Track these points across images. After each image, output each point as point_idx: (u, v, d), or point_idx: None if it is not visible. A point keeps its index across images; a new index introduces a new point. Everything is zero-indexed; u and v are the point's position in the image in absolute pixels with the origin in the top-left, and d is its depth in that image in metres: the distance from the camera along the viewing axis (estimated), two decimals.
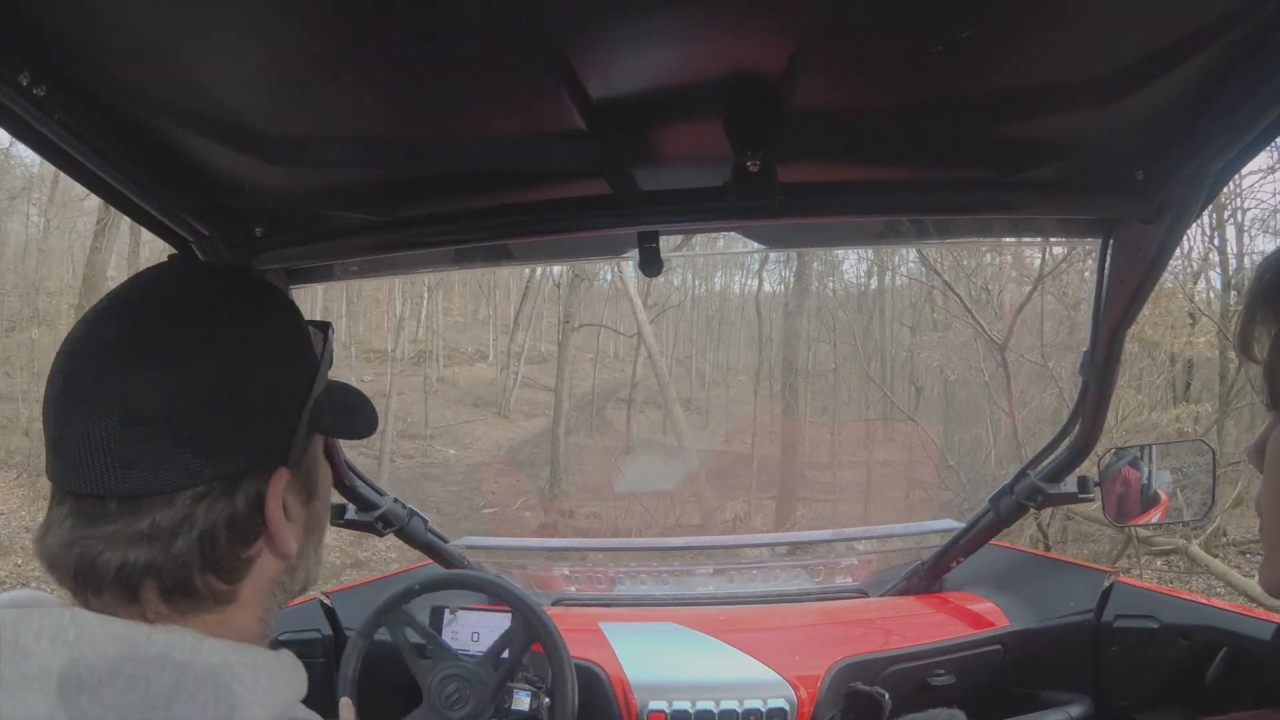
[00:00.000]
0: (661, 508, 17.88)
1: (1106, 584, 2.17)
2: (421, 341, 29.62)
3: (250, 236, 1.43)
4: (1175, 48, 1.02)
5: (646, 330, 19.41)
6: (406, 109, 1.16)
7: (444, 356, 30.40)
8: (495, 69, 1.04)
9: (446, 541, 2.40)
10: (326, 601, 2.30)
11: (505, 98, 1.13)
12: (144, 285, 0.89)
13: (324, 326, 0.99)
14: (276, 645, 0.91)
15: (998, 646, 2.18)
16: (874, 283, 22.38)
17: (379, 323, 29.60)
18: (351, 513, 2.17)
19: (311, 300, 22.50)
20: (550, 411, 24.13)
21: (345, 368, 26.42)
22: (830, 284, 23.64)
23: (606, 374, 28.49)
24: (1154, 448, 2.12)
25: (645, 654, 2.17)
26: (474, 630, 2.16)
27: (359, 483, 2.13)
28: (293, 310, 0.95)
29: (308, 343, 0.93)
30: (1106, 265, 1.58)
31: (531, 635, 1.98)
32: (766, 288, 26.98)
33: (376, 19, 0.91)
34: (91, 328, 0.83)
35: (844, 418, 22.68)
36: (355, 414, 1.02)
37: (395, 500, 2.22)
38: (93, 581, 0.78)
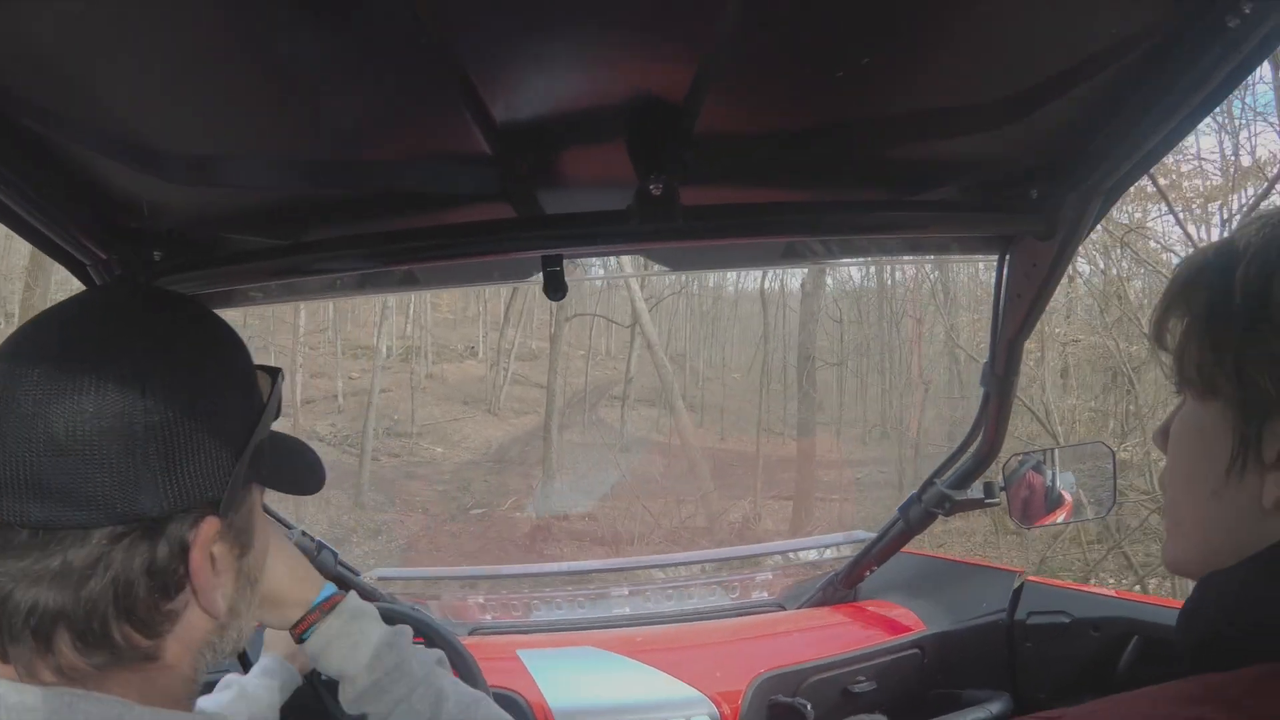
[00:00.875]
0: (665, 509, 17.03)
1: (1017, 583, 2.22)
2: (410, 338, 28.64)
3: (149, 260, 1.36)
4: (1067, 73, 1.06)
5: (645, 319, 18.89)
6: (309, 130, 1.13)
7: (433, 353, 29.49)
8: (398, 91, 1.03)
9: (358, 574, 2.33)
10: None
11: (408, 120, 1.12)
12: (83, 305, 0.84)
13: (273, 372, 0.94)
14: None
15: (915, 650, 2.21)
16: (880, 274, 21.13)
17: (367, 319, 28.51)
18: None
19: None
20: (542, 409, 23.23)
21: (331, 365, 25.87)
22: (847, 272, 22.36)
23: (599, 370, 27.57)
24: (1056, 451, 2.19)
25: (565, 679, 2.14)
26: None
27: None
28: (239, 350, 0.90)
29: (252, 386, 0.88)
30: (1004, 281, 1.63)
31: (449, 666, 1.94)
32: (770, 279, 25.93)
33: (278, 39, 0.88)
34: (22, 345, 0.78)
35: (853, 412, 22.13)
36: (300, 468, 0.98)
37: (303, 533, 2.14)
38: (7, 626, 0.73)
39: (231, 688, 1.44)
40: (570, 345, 21.87)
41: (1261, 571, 0.68)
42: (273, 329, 23.09)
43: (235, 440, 0.82)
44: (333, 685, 1.61)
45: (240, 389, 0.86)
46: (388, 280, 1.73)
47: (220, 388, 0.83)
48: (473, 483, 20.93)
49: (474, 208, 1.33)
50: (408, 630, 1.33)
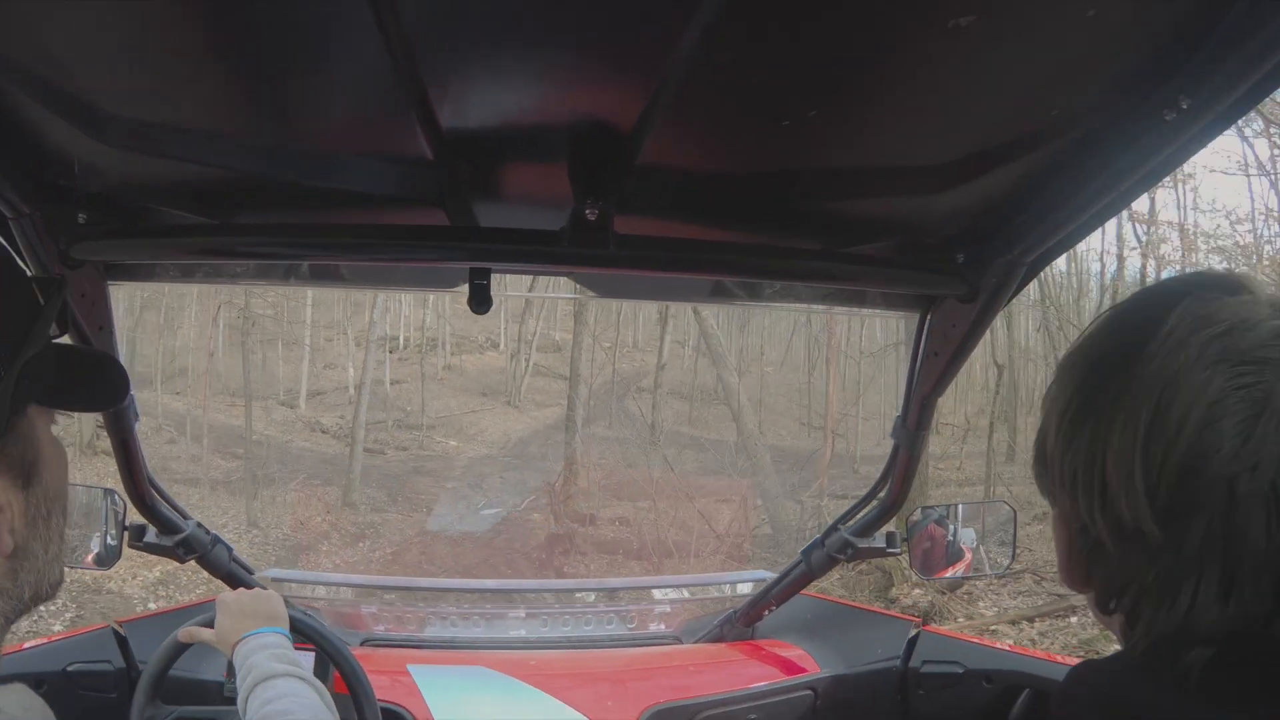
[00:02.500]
0: (718, 512, 14.50)
1: (913, 632, 2.25)
2: (429, 329, 27.47)
3: (72, 222, 1.32)
4: (1004, 147, 1.10)
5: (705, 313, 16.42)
6: (250, 110, 1.12)
7: (452, 345, 28.06)
8: (346, 83, 1.02)
9: (252, 572, 2.27)
10: (120, 631, 2.12)
11: (352, 114, 1.11)
12: None
13: (54, 283, 0.85)
14: (65, 675, 0.80)
15: (808, 692, 2.22)
16: None
17: (383, 309, 27.45)
18: (151, 535, 2.02)
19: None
20: (563, 402, 21.11)
21: (343, 356, 24.55)
22: None
23: (625, 363, 25.33)
24: (960, 506, 2.23)
25: (454, 698, 2.11)
26: None
27: (161, 502, 1.98)
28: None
29: (19, 299, 0.79)
30: (923, 338, 1.66)
31: (336, 675, 1.89)
32: None
33: (231, 13, 0.86)
34: None
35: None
36: (86, 381, 0.89)
37: (199, 525, 2.08)
38: None
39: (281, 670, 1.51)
40: (593, 337, 20.79)
41: (1129, 672, 0.68)
42: (285, 318, 22.09)
43: None
44: None
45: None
46: (312, 273, 1.70)
47: None
48: (487, 479, 19.06)
49: (408, 211, 1.32)
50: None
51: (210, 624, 1.70)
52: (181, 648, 1.82)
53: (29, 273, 0.86)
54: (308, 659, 1.97)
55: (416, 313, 26.78)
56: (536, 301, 24.62)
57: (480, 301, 1.33)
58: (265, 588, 2.24)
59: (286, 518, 15.44)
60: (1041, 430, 0.72)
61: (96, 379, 0.91)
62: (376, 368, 22.66)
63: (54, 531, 0.81)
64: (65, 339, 0.87)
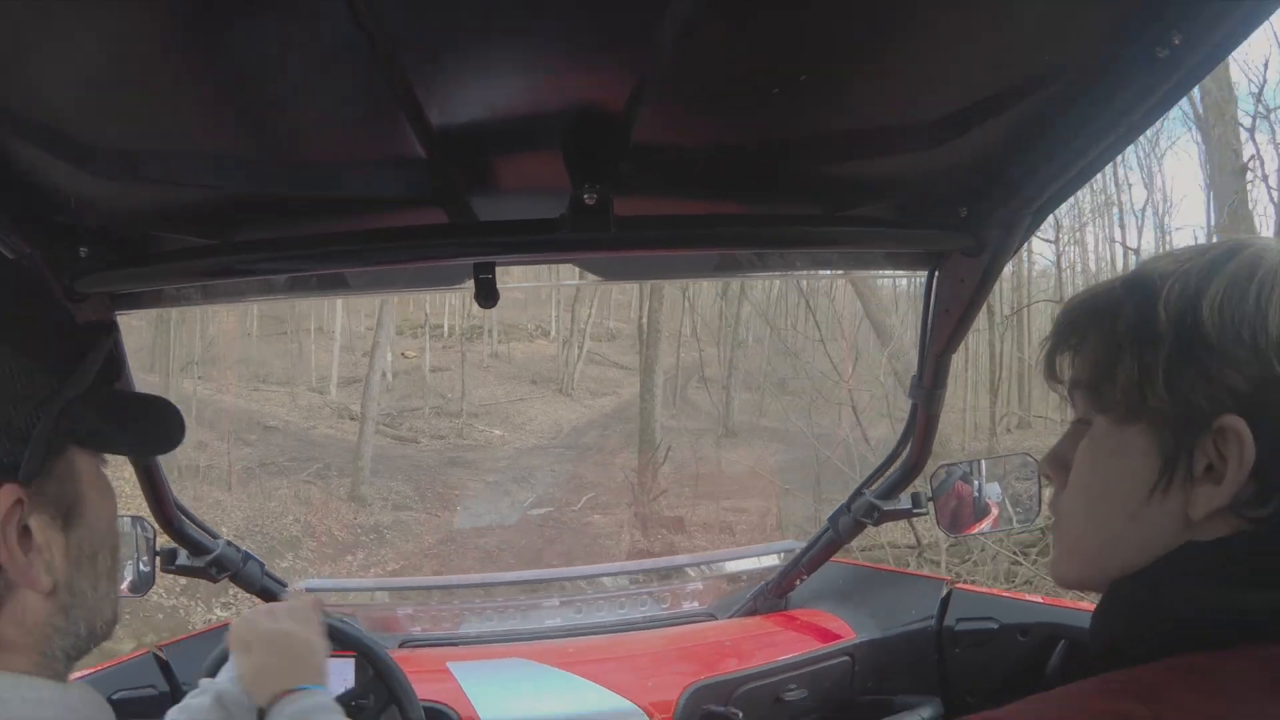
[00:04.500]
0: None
1: (945, 591, 2.26)
2: (475, 316, 27.03)
3: (75, 257, 1.32)
4: (997, 97, 1.09)
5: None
6: (241, 129, 1.12)
7: (500, 333, 27.75)
8: (335, 92, 1.02)
9: (285, 585, 2.29)
10: (160, 655, 2.14)
11: (344, 122, 1.11)
12: None
13: (103, 328, 0.87)
14: (111, 704, 0.82)
15: (846, 658, 2.23)
16: None
17: (436, 300, 26.66)
18: (183, 558, 2.04)
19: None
20: (622, 390, 21.07)
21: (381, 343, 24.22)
22: None
23: (685, 353, 23.81)
24: (982, 462, 2.23)
25: (496, 691, 2.12)
26: None
27: (189, 524, 2.00)
28: (42, 298, 0.85)
29: (60, 338, 0.81)
30: (932, 296, 1.66)
31: (377, 679, 1.91)
32: None
33: (213, 34, 0.86)
34: None
35: None
36: (131, 425, 0.89)
37: (229, 543, 2.10)
38: None
39: (206, 693, 1.41)
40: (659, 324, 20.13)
41: (1170, 571, 0.71)
42: (325, 308, 21.54)
43: (32, 398, 0.75)
44: None
45: (40, 342, 0.78)
46: (318, 284, 1.70)
47: (11, 341, 0.75)
48: (536, 473, 17.61)
49: (407, 213, 1.32)
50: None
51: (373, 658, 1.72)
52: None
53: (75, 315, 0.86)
54: (348, 665, 1.98)
55: (463, 300, 26.01)
56: (589, 288, 23.75)
57: (487, 296, 1.34)
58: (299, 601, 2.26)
59: (280, 514, 14.25)
60: (1236, 306, 0.70)
61: (146, 422, 0.91)
62: (418, 354, 22.41)
63: (102, 571, 0.83)
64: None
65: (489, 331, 27.47)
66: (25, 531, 0.74)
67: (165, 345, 20.07)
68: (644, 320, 17.89)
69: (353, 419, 18.98)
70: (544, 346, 27.93)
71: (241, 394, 20.77)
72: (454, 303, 26.03)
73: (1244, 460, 0.68)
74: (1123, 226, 17.01)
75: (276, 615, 1.50)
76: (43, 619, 0.76)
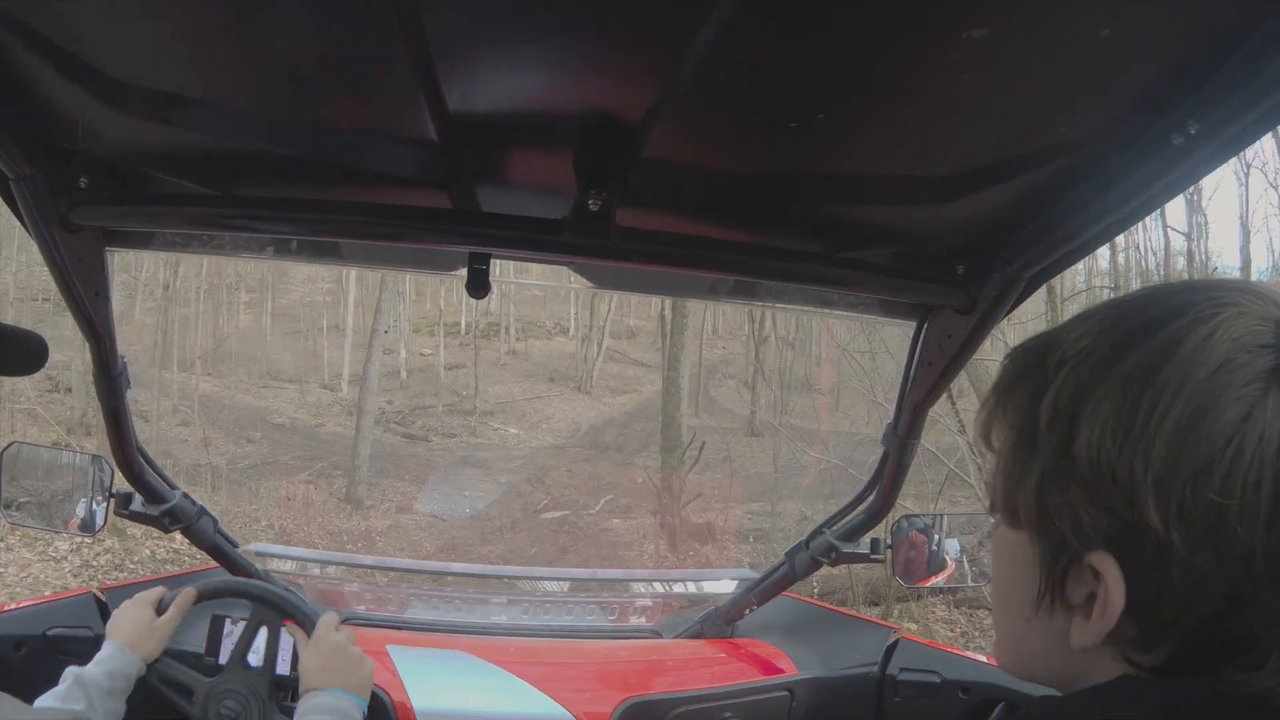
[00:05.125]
0: None
1: (892, 639, 2.27)
2: (493, 314, 26.82)
3: (74, 185, 1.31)
4: (1010, 162, 1.11)
5: None
6: (258, 80, 1.11)
7: (519, 330, 27.24)
8: (357, 59, 1.02)
9: (236, 546, 2.27)
10: (101, 597, 2.12)
11: (362, 90, 1.10)
12: None
13: None
14: (44, 639, 0.83)
15: (785, 693, 2.23)
16: None
17: (436, 295, 26.71)
18: (137, 504, 2.03)
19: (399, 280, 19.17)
20: (643, 388, 20.38)
21: (397, 341, 23.39)
22: None
23: (708, 351, 22.97)
24: (944, 516, 2.25)
25: (432, 681, 2.11)
26: (256, 643, 2.04)
27: (149, 471, 1.98)
28: None
29: None
30: (918, 347, 1.67)
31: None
32: None
33: None
34: None
35: None
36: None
37: (185, 495, 2.08)
38: None
39: (68, 679, 1.47)
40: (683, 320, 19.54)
41: (1086, 711, 0.64)
42: (338, 305, 21.18)
43: None
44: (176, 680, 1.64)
45: None
46: (311, 250, 1.70)
47: None
48: (551, 473, 16.45)
49: (410, 192, 1.32)
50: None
51: (241, 592, 1.84)
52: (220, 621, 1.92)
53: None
54: (286, 642, 1.97)
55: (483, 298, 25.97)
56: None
57: (478, 286, 1.33)
58: (249, 562, 2.25)
59: (254, 518, 13.26)
60: (1101, 450, 0.61)
61: (14, 349, 0.98)
62: (433, 352, 22.13)
63: None
64: None
65: (506, 329, 27.17)
66: None
67: (174, 340, 19.90)
68: (666, 313, 17.44)
69: (363, 415, 18.52)
70: (562, 344, 27.44)
71: (250, 390, 20.53)
72: (471, 299, 25.77)
73: (1109, 602, 0.61)
74: None
75: (337, 626, 1.82)
76: None
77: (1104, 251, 14.28)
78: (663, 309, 18.20)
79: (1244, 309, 0.60)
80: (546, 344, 27.40)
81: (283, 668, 1.88)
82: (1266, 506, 0.55)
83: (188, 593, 1.82)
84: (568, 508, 14.32)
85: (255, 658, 1.90)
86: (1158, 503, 0.58)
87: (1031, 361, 0.69)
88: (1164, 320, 0.61)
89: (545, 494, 15.26)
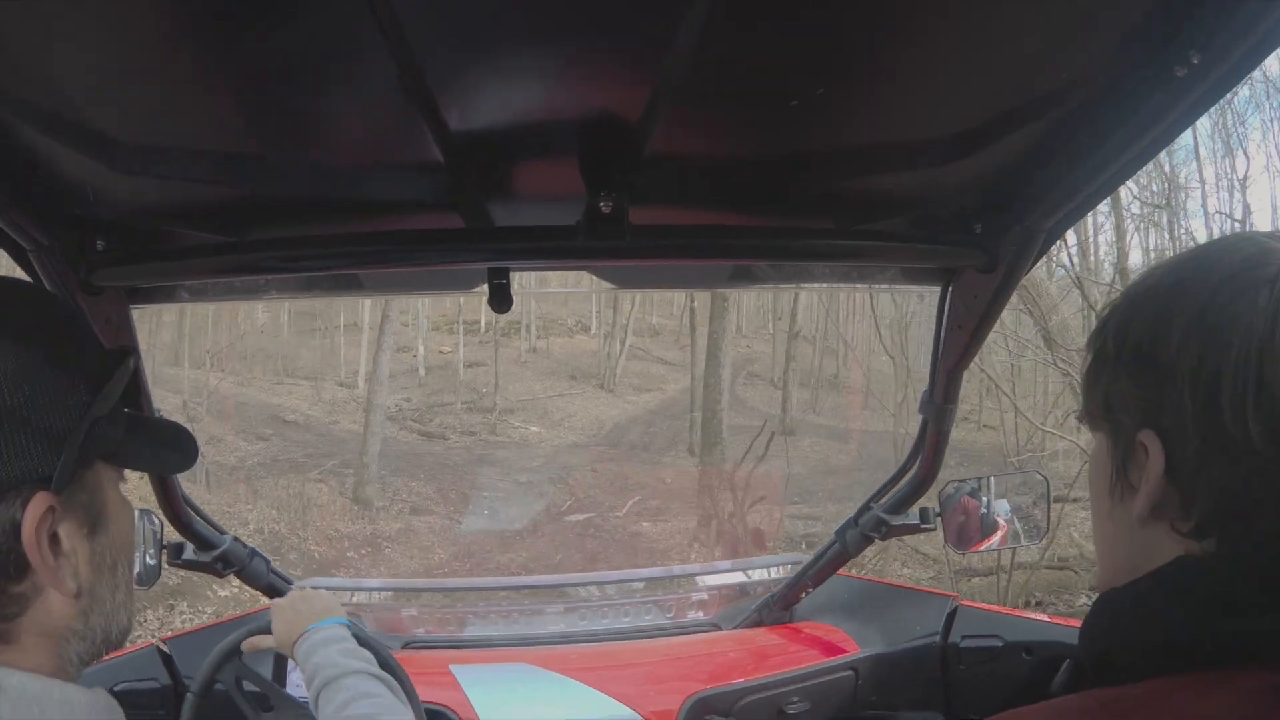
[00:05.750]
0: None
1: (950, 608, 2.25)
2: (513, 313, 26.68)
3: (91, 248, 1.34)
4: (1013, 114, 1.09)
5: None
6: (260, 127, 1.12)
7: (540, 328, 27.18)
8: (354, 93, 1.02)
9: (290, 583, 2.29)
10: (164, 648, 2.15)
11: (363, 123, 1.11)
12: None
13: (122, 355, 0.91)
14: (113, 695, 0.85)
15: (849, 672, 2.22)
16: None
17: (471, 297, 26.52)
18: (190, 552, 2.07)
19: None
20: (668, 386, 19.98)
21: (415, 339, 23.40)
22: None
23: (733, 349, 21.13)
24: (991, 479, 2.23)
25: (498, 696, 2.13)
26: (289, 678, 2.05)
27: (197, 519, 2.01)
28: (71, 318, 0.88)
29: (89, 356, 0.85)
30: (945, 311, 1.66)
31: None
32: None
33: (233, 32, 0.87)
34: None
35: None
36: (157, 444, 0.95)
37: (235, 539, 2.12)
38: None
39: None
40: (696, 321, 19.08)
41: (1149, 591, 0.71)
42: (357, 302, 20.70)
43: (66, 411, 0.79)
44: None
45: (73, 358, 0.82)
46: (332, 284, 1.71)
47: (46, 355, 0.79)
48: (574, 472, 15.95)
49: (422, 216, 1.33)
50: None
51: (266, 630, 1.72)
52: (230, 656, 1.84)
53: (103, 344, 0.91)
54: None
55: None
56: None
57: (501, 301, 1.34)
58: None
59: (241, 523, 12.64)
60: (1143, 342, 0.73)
61: (165, 443, 0.96)
62: (452, 350, 22.06)
63: (120, 580, 0.87)
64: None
65: (527, 327, 27.03)
66: (54, 538, 0.77)
67: (190, 338, 20.02)
68: (694, 305, 17.12)
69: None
70: (584, 342, 27.28)
71: (264, 388, 20.56)
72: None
73: (1152, 468, 0.71)
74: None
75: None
76: (64, 622, 0.80)
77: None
78: (690, 303, 17.91)
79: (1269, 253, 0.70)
80: (568, 342, 27.28)
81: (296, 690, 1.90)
82: (1254, 383, 0.65)
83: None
84: (593, 509, 13.88)
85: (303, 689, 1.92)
86: (1181, 379, 0.69)
87: (1109, 301, 0.81)
88: (1191, 260, 0.74)
89: (569, 495, 14.81)
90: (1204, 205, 14.45)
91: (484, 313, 24.18)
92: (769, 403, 19.13)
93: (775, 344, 20.95)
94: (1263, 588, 0.65)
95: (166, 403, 15.62)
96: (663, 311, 27.11)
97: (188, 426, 1.03)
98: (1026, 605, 8.43)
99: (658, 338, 26.52)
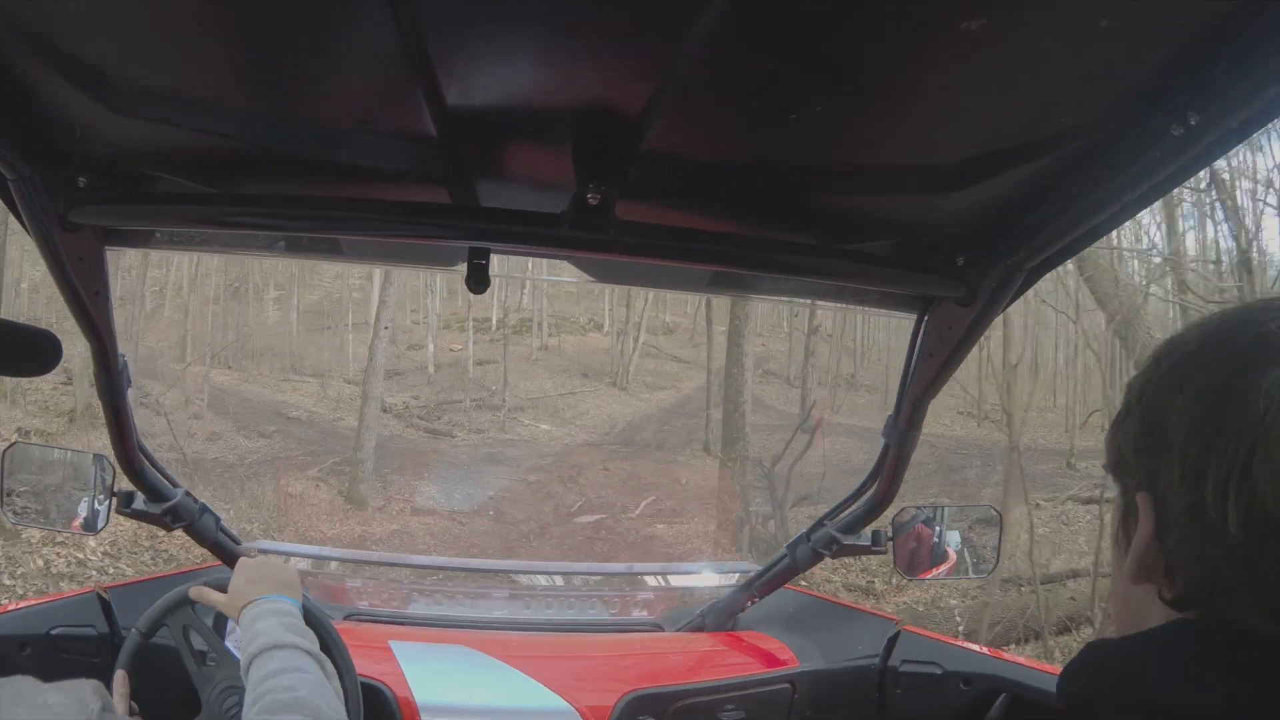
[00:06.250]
0: None
1: (893, 631, 2.27)
2: (524, 310, 26.60)
3: (73, 185, 1.31)
4: (1009, 153, 1.10)
5: None
6: (257, 79, 1.11)
7: (551, 326, 26.71)
8: (355, 55, 1.02)
9: (239, 542, 2.27)
10: (104, 595, 2.12)
11: (360, 87, 1.10)
12: None
13: None
14: (48, 638, 0.83)
15: (787, 685, 2.23)
16: None
17: (481, 298, 26.17)
18: (139, 502, 2.03)
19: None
20: (681, 384, 19.60)
21: (426, 338, 23.36)
22: None
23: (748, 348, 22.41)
24: (945, 508, 2.25)
25: (435, 675, 2.12)
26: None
27: (150, 469, 1.98)
28: None
29: None
30: (919, 339, 1.67)
31: (320, 650, 1.89)
32: None
33: None
34: None
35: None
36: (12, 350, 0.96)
37: (187, 494, 2.08)
38: None
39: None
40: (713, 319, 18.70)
41: (1147, 654, 0.71)
42: (368, 301, 20.56)
43: None
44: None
45: None
46: (311, 246, 1.70)
47: None
48: (586, 471, 15.19)
49: (409, 188, 1.32)
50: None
51: (222, 587, 1.71)
52: (182, 604, 1.83)
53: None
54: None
55: (513, 295, 25.27)
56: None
57: (478, 281, 1.33)
58: (251, 557, 2.25)
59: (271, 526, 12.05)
60: (1149, 401, 0.74)
61: (23, 349, 0.97)
62: (462, 348, 21.87)
63: None
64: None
65: (538, 325, 26.76)
66: None
67: (190, 334, 19.83)
68: (712, 301, 16.41)
69: (385, 410, 17.44)
70: (597, 340, 26.80)
71: (268, 384, 20.22)
72: (503, 296, 25.45)
73: (1141, 529, 0.73)
74: None
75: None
76: None
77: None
78: (705, 300, 17.44)
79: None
80: (580, 340, 26.89)
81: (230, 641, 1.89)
82: (1240, 469, 0.65)
83: (120, 675, 1.75)
84: (604, 510, 13.16)
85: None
86: (1175, 449, 0.70)
87: (1149, 355, 0.80)
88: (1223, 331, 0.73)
89: (579, 494, 14.09)
90: None
91: (494, 310, 24.04)
92: (786, 401, 18.98)
93: (792, 342, 20.69)
94: (1231, 670, 0.66)
95: (167, 397, 15.44)
96: (676, 310, 26.91)
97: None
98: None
99: (671, 335, 26.28)
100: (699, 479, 14.10)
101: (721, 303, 14.92)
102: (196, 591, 1.76)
